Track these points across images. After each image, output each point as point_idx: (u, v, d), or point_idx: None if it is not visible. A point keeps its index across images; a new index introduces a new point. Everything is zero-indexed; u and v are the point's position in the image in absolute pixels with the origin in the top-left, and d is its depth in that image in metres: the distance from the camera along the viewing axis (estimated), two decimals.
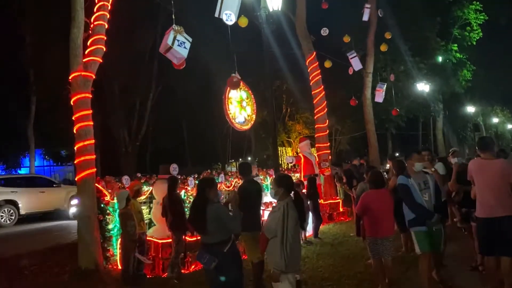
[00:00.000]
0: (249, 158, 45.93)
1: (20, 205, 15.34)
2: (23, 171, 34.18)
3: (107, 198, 7.34)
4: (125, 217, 6.32)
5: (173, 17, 6.86)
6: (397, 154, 24.92)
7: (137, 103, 28.96)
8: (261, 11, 6.07)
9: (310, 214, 10.09)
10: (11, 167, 33.99)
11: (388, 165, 13.10)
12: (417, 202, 4.81)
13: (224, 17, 7.58)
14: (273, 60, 23.74)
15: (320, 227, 11.48)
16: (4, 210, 15.03)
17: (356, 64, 14.22)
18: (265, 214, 9.37)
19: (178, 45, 6.84)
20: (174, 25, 6.84)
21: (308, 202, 9.79)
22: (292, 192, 4.54)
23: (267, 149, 34.13)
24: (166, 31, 6.92)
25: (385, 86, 14.92)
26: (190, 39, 7.04)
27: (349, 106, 17.98)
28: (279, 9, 6.19)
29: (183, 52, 6.96)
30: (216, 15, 7.83)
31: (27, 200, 15.55)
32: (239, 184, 7.54)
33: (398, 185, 4.97)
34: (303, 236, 9.57)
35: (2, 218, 14.83)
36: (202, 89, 29.87)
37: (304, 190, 9.91)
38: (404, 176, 4.99)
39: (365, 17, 13.48)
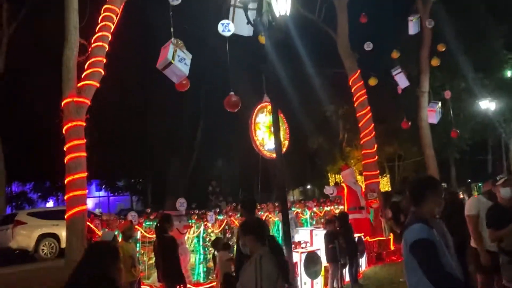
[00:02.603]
0: (309, 186, 44.15)
1: (61, 238, 15.07)
2: None
3: None
4: None
5: (172, 29, 6.00)
6: (469, 181, 22.18)
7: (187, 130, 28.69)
8: (263, 16, 5.01)
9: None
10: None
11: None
12: (445, 270, 2.72)
13: (220, 28, 6.63)
14: (324, 81, 22.59)
15: (366, 269, 9.96)
16: (45, 243, 14.86)
17: (402, 81, 12.64)
18: (293, 256, 8.06)
19: (178, 60, 5.97)
20: (173, 38, 5.99)
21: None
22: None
23: (324, 178, 32.48)
24: (163, 46, 6.07)
25: (439, 105, 13.13)
26: (190, 56, 6.16)
27: (411, 129, 16.22)
28: (287, 15, 5.08)
29: (184, 69, 6.08)
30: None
31: None
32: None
33: (415, 241, 2.80)
34: (339, 282, 8.09)
35: (43, 252, 14.61)
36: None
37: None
38: (423, 224, 2.83)
39: (411, 31, 11.94)
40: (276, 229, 10.12)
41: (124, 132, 27.25)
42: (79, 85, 6.57)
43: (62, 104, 6.46)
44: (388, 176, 33.08)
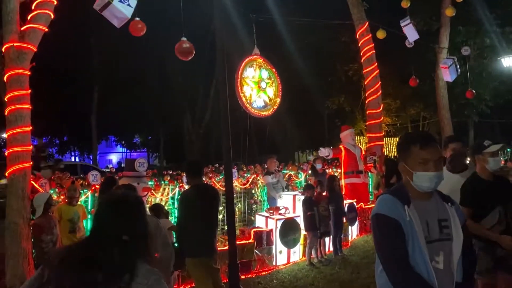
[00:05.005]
0: (321, 149, 43.09)
1: None
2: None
3: None
4: (38, 229, 4.85)
5: None
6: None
7: (200, 88, 28.02)
8: None
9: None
10: (84, 154, 35.33)
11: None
12: (408, 266, 1.99)
13: None
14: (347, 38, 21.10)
15: (357, 237, 9.29)
16: None
17: (411, 34, 11.37)
18: (269, 222, 7.44)
19: (120, 1, 5.16)
20: None
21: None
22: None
23: None
24: None
25: (453, 62, 11.82)
26: None
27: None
28: None
29: (126, 11, 5.28)
30: None
31: None
32: (183, 191, 5.69)
33: (372, 216, 2.17)
34: (320, 251, 7.47)
35: None
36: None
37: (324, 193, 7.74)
38: (393, 197, 2.13)
39: None
40: (265, 193, 9.50)
41: (140, 88, 26.81)
42: (22, 28, 5.86)
43: (3, 49, 5.79)
44: None
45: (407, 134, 2.43)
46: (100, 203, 1.90)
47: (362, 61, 12.25)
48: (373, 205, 9.86)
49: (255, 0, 11.07)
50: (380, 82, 12.01)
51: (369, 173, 11.16)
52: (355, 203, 9.16)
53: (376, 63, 11.97)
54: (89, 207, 6.66)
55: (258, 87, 9.39)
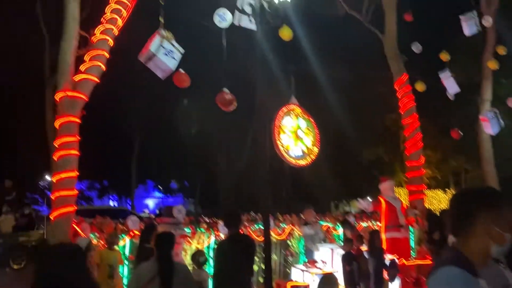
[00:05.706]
0: (360, 201, 41.92)
1: None
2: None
3: None
4: None
5: (161, 19, 5.46)
6: None
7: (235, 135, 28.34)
8: (254, 1, 4.31)
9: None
10: (122, 197, 36.14)
11: None
12: None
13: (216, 19, 5.86)
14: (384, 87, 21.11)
15: None
16: None
17: (451, 86, 11.23)
18: (306, 276, 7.21)
19: (164, 53, 5.43)
20: (161, 29, 5.45)
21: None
22: None
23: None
24: (151, 36, 5.56)
25: (494, 114, 11.42)
26: (182, 50, 5.59)
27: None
28: (288, 0, 4.35)
29: (170, 63, 5.53)
30: (236, 22, 6.20)
31: None
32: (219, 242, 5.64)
33: None
34: None
35: None
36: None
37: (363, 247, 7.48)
38: (460, 269, 1.71)
39: (467, 31, 10.44)
40: (301, 245, 9.30)
41: (177, 135, 27.55)
42: (75, 78, 6.23)
43: (57, 98, 6.16)
44: (453, 191, 30.70)
45: (488, 192, 1.93)
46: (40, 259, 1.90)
47: (401, 112, 12.14)
48: (416, 261, 9.48)
49: (293, 48, 11.38)
50: (421, 135, 11.81)
51: (410, 227, 10.74)
52: (396, 259, 8.77)
53: (417, 115, 11.83)
54: (127, 253, 6.70)
55: (295, 136, 9.42)
